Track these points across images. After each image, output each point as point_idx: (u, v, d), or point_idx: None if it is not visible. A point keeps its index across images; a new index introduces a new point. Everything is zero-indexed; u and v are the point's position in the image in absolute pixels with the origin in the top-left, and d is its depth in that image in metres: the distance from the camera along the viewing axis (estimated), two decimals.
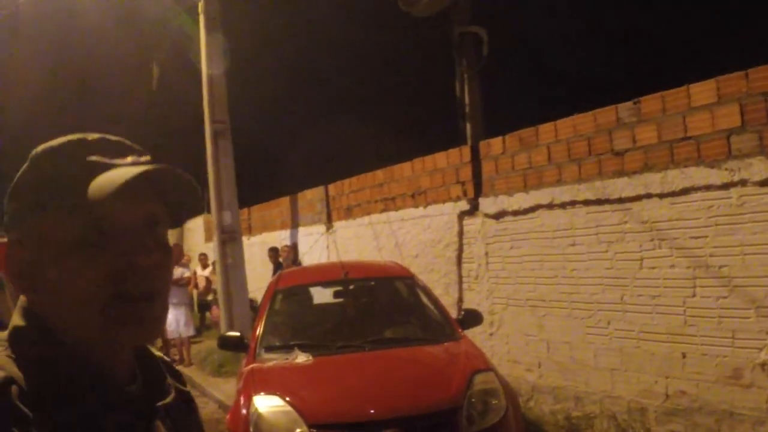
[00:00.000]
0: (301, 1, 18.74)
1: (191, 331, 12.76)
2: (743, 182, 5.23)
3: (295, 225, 13.75)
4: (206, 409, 9.39)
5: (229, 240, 11.73)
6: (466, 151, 8.44)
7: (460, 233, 8.46)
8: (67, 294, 0.98)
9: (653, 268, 5.96)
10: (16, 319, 1.02)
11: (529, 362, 7.40)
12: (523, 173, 7.37)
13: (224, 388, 9.79)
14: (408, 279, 6.92)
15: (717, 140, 5.39)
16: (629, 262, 6.17)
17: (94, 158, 1.00)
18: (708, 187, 5.47)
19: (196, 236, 21.10)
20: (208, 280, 14.87)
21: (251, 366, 5.61)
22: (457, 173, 8.48)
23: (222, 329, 11.34)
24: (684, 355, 5.74)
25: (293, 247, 13.04)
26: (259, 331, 6.12)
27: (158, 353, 1.20)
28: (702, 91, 5.50)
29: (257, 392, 5.09)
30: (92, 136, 1.05)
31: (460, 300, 8.43)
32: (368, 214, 10.69)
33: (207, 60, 11.60)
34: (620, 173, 6.20)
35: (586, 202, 6.56)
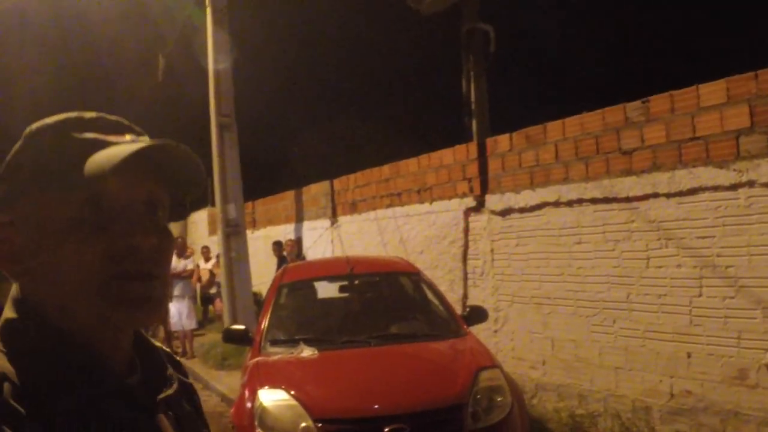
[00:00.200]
0: None
1: (194, 324, 12.76)
2: (751, 183, 5.22)
3: (299, 219, 13.76)
4: (209, 402, 9.40)
5: (234, 233, 11.73)
6: (473, 147, 8.43)
7: (466, 230, 8.45)
8: (64, 276, 0.94)
9: (660, 267, 5.95)
10: (8, 312, 0.98)
11: (534, 360, 7.40)
12: (530, 171, 7.36)
13: (227, 381, 9.80)
14: (414, 275, 6.92)
15: (726, 141, 5.37)
16: (636, 261, 6.17)
17: (91, 135, 0.97)
18: (716, 188, 5.46)
19: (200, 229, 21.13)
20: (211, 273, 14.88)
21: (256, 359, 5.61)
22: (464, 170, 8.47)
23: (225, 322, 11.36)
24: (689, 355, 5.73)
25: (297, 242, 13.04)
26: (265, 324, 6.12)
27: (158, 344, 1.16)
28: (711, 91, 5.48)
29: (262, 386, 5.08)
30: (89, 114, 1.02)
31: (465, 296, 8.44)
32: (373, 209, 10.69)
33: (213, 53, 11.59)
34: (628, 172, 6.19)
35: (593, 201, 6.55)
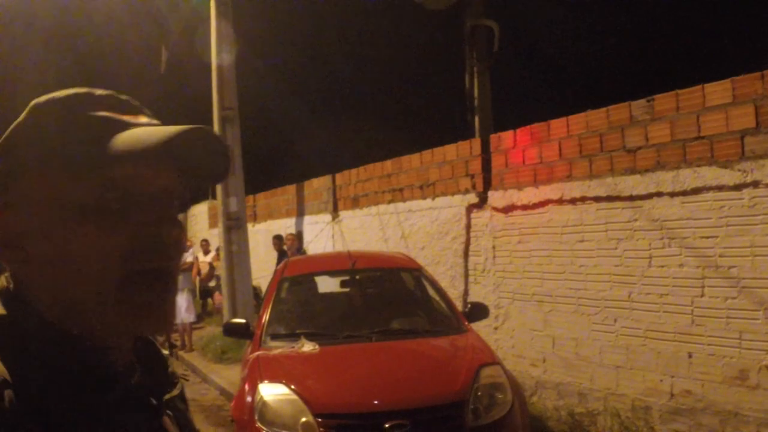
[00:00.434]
0: None
1: (193, 317, 12.76)
2: (756, 183, 5.20)
3: (300, 213, 13.75)
4: (208, 395, 9.41)
5: (235, 227, 11.73)
6: (476, 143, 8.42)
7: (468, 226, 8.44)
8: (75, 267, 0.85)
9: (662, 266, 5.94)
10: None
11: (534, 357, 7.40)
12: (533, 167, 7.35)
13: (226, 375, 9.81)
14: (415, 270, 6.91)
15: (730, 141, 5.36)
16: (638, 260, 6.16)
17: (105, 114, 0.89)
18: (720, 188, 5.44)
19: (200, 222, 21.11)
20: (210, 266, 14.89)
21: (257, 353, 5.60)
22: (467, 166, 8.46)
23: (225, 316, 11.36)
24: (690, 355, 5.73)
25: (298, 236, 13.03)
26: (265, 318, 6.11)
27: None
28: (717, 91, 5.47)
29: (263, 380, 5.08)
30: (99, 90, 0.93)
31: (466, 293, 8.43)
32: (375, 204, 10.67)
33: (217, 45, 11.57)
34: (632, 170, 6.18)
35: (597, 199, 6.54)
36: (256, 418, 4.84)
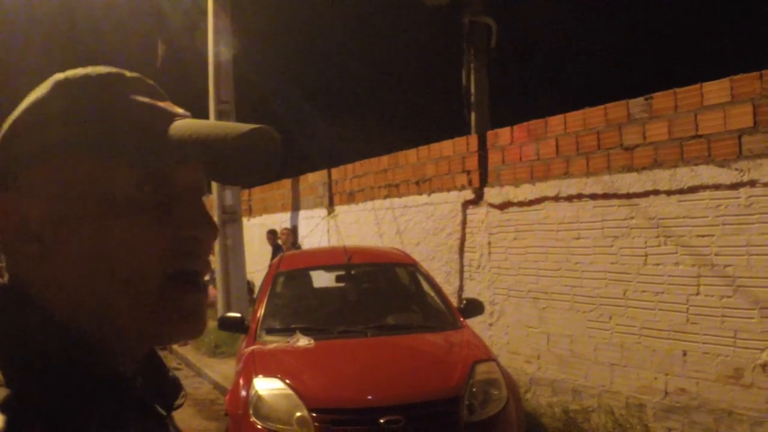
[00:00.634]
0: None
1: None
2: (753, 183, 5.21)
3: (296, 208, 13.73)
4: (201, 389, 9.40)
5: (230, 221, 11.72)
6: (473, 140, 8.41)
7: (464, 222, 8.44)
8: (108, 266, 0.76)
9: (658, 264, 5.95)
10: None
11: (529, 354, 7.40)
12: (530, 164, 7.34)
13: (219, 369, 9.80)
14: (411, 266, 6.91)
15: (728, 140, 5.36)
16: (634, 258, 6.16)
17: (146, 99, 0.80)
18: (717, 186, 5.45)
19: None
20: None
21: (252, 348, 5.59)
22: (463, 162, 8.45)
23: (219, 310, 11.35)
24: (685, 353, 5.74)
25: (293, 230, 13.02)
26: (260, 313, 6.10)
27: None
28: (715, 90, 5.46)
29: (257, 374, 5.07)
30: (129, 72, 0.84)
31: (461, 289, 8.43)
32: (371, 199, 10.66)
33: (214, 38, 11.54)
34: (629, 168, 6.18)
35: (593, 196, 6.54)
36: (251, 412, 4.83)
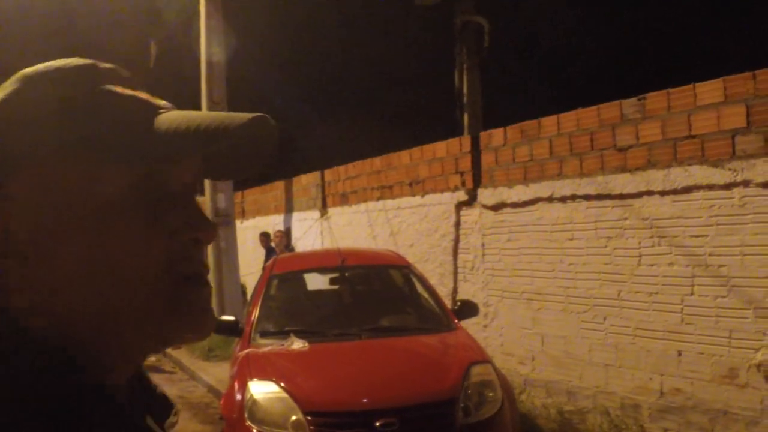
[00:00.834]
0: None
1: None
2: (746, 183, 5.21)
3: (289, 210, 13.71)
4: (195, 392, 9.36)
5: (223, 223, 11.68)
6: (466, 141, 8.40)
7: (457, 224, 8.43)
8: (107, 277, 0.69)
9: (652, 265, 5.95)
10: None
11: (523, 355, 7.40)
12: (523, 165, 7.34)
13: (213, 372, 9.76)
14: (405, 268, 6.89)
15: (721, 140, 5.36)
16: (628, 258, 6.16)
17: (127, 91, 0.73)
18: (710, 187, 5.45)
19: None
20: None
21: (246, 351, 5.57)
22: (457, 163, 8.44)
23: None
24: (680, 353, 5.74)
25: (286, 233, 12.98)
26: (255, 316, 6.07)
27: None
28: (708, 90, 5.47)
29: (252, 378, 5.05)
30: (102, 63, 0.76)
31: (455, 291, 8.42)
32: (364, 201, 10.64)
33: (207, 38, 11.50)
34: (622, 169, 6.18)
35: (587, 197, 6.54)
36: (246, 416, 4.81)
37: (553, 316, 6.98)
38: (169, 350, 12.04)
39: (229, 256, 11.74)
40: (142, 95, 0.74)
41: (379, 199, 10.21)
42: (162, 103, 0.75)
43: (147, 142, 0.68)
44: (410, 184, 9.45)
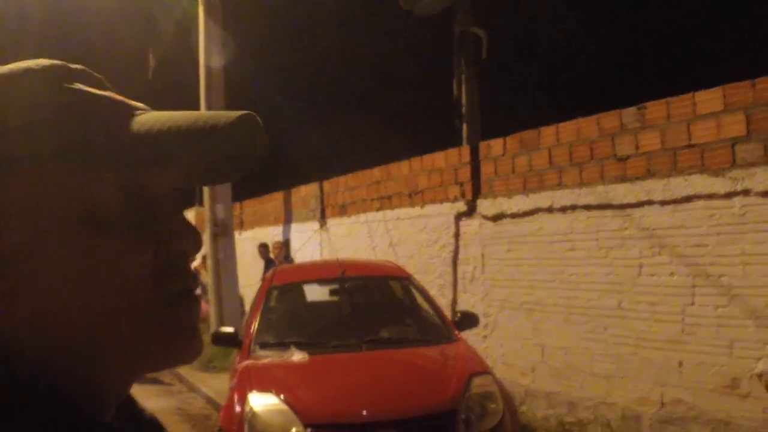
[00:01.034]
0: None
1: None
2: (746, 192, 5.20)
3: (288, 221, 13.69)
4: (194, 404, 9.32)
5: (222, 234, 11.67)
6: (466, 151, 8.40)
7: (457, 234, 8.41)
8: (95, 295, 0.63)
9: (653, 275, 5.93)
10: None
11: (523, 366, 7.36)
12: (523, 176, 7.33)
13: (213, 384, 9.72)
14: (405, 279, 6.87)
15: (721, 149, 5.36)
16: (628, 269, 6.14)
17: (103, 92, 0.68)
18: (711, 196, 5.44)
19: None
20: (196, 271, 14.77)
21: (246, 363, 5.54)
22: (456, 174, 8.43)
23: (212, 325, 11.28)
24: (681, 364, 5.71)
25: (285, 244, 12.96)
26: (254, 327, 6.05)
27: None
28: (708, 99, 5.47)
29: (252, 390, 5.02)
30: (73, 64, 0.70)
31: (455, 302, 8.39)
32: (363, 212, 10.63)
33: (206, 47, 11.52)
34: (622, 179, 6.17)
35: (587, 207, 6.52)
36: (246, 428, 4.78)
37: (553, 326, 6.96)
38: None
39: (227, 267, 11.71)
40: (117, 96, 0.69)
41: (378, 209, 10.20)
42: (138, 105, 0.70)
43: (126, 145, 0.63)
44: (409, 195, 9.44)
